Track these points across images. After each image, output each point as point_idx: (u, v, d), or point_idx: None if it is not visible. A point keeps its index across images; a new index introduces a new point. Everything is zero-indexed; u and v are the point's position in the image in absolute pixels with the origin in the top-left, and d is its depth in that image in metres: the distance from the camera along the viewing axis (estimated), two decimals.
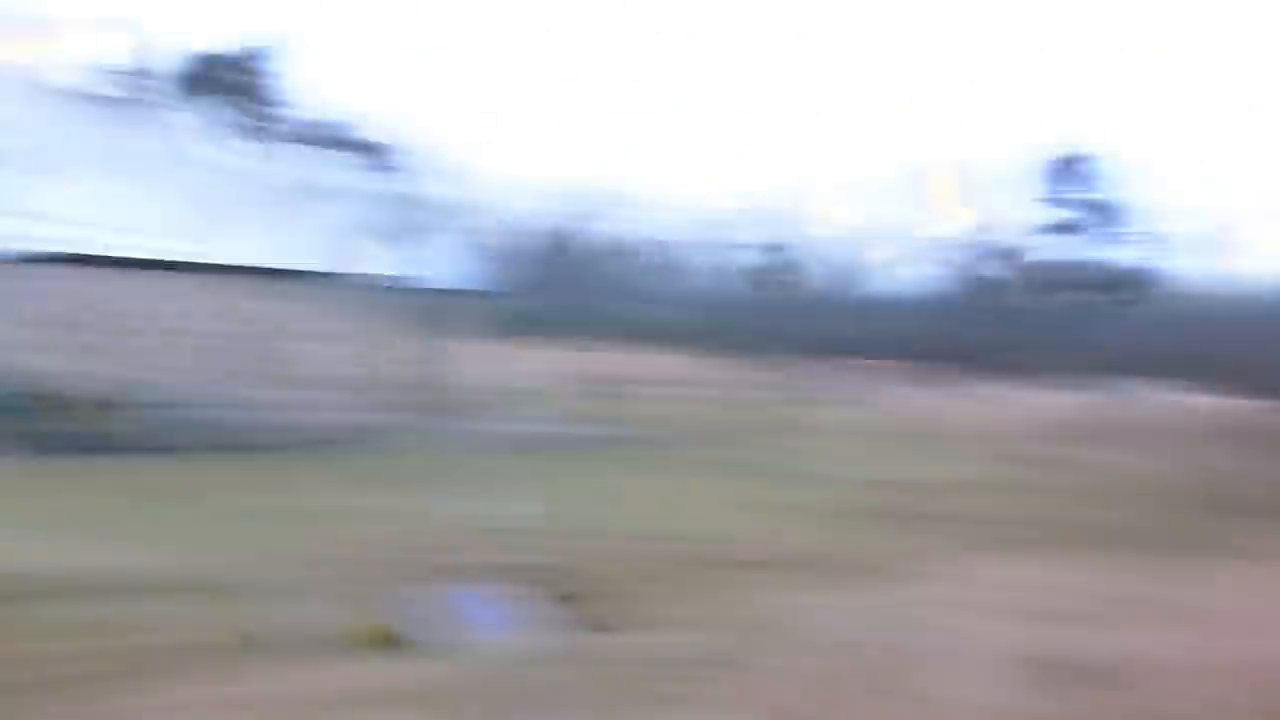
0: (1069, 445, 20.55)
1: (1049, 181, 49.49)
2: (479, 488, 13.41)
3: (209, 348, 16.19)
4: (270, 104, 67.37)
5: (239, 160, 19.68)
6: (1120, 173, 47.89)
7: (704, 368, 39.14)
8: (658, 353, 51.36)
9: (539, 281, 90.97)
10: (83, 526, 10.48)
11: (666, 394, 26.50)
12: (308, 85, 65.07)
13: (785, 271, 56.17)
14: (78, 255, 14.95)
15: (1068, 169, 48.82)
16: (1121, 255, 48.34)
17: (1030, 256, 49.25)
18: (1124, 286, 47.01)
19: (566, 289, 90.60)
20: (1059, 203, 49.30)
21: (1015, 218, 50.41)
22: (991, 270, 49.58)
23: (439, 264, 24.33)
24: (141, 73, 60.19)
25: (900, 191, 52.45)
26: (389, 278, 19.33)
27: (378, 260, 19.78)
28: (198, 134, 19.60)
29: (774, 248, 57.57)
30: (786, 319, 47.46)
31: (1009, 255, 49.72)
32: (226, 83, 64.98)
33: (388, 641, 7.90)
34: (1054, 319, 44.56)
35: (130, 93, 25.91)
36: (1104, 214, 48.41)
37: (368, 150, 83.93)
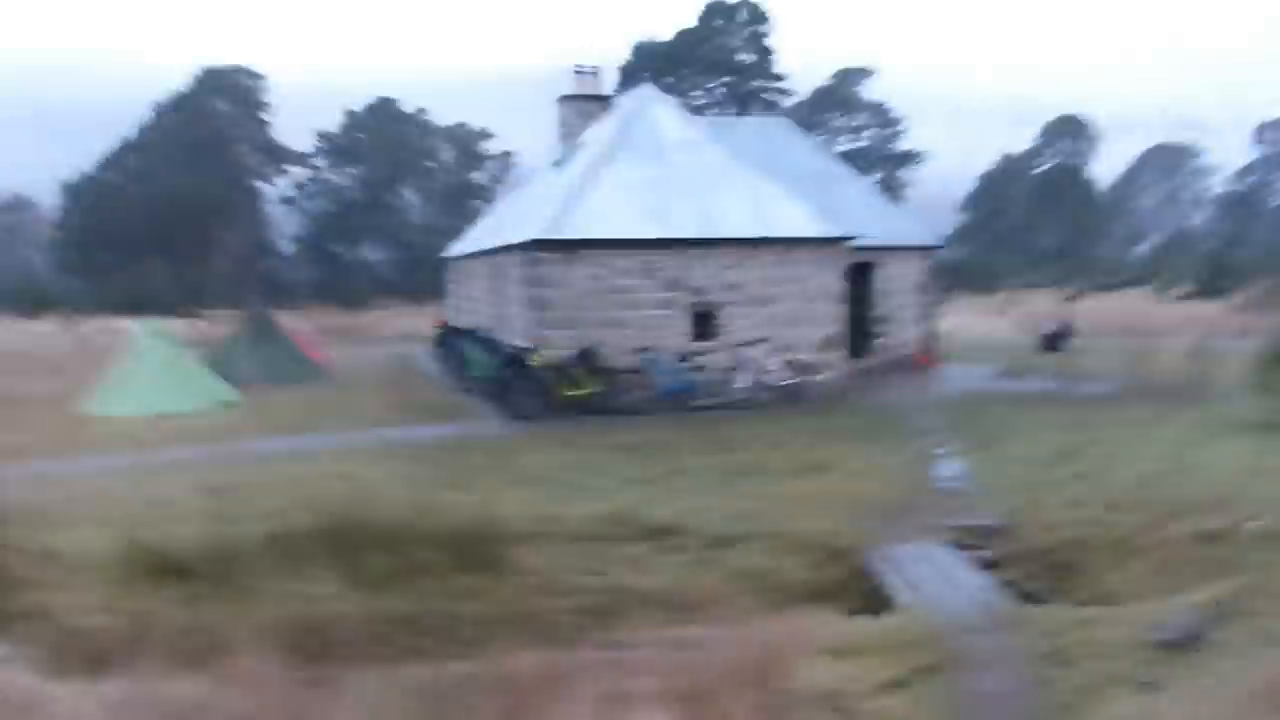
0: None
1: None
2: (954, 445, 13.45)
3: (700, 315, 17.78)
4: (769, 74, 70.81)
5: (733, 132, 21.25)
6: None
7: (1191, 310, 34.75)
8: (1140, 297, 46.32)
9: (1007, 229, 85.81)
10: (594, 480, 12.20)
11: (1153, 343, 23.98)
12: (790, 49, 66.83)
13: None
14: (598, 240, 17.16)
15: None
16: None
17: None
18: None
19: (1035, 234, 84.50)
20: None
21: None
22: None
23: (916, 219, 24.32)
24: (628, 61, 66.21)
25: None
26: (870, 235, 19.70)
27: (858, 218, 20.29)
28: (688, 112, 21.15)
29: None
30: None
31: None
32: (718, 59, 69.36)
33: (857, 595, 8.48)
34: None
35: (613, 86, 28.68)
36: None
37: (862, 109, 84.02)
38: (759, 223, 18.09)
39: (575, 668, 5.82)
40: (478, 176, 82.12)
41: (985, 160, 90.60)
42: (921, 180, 78.07)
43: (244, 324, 23.32)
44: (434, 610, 7.82)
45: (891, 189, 71.77)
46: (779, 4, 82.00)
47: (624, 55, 68.70)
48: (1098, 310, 39.16)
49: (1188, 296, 43.16)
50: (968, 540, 9.38)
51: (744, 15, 71.83)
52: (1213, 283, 43.28)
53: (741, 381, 17.57)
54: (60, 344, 33.92)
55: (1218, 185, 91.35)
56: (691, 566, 8.73)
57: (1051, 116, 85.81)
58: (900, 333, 23.40)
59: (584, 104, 24.20)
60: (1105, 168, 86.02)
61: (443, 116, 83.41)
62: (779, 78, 71.79)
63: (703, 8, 70.68)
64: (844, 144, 79.14)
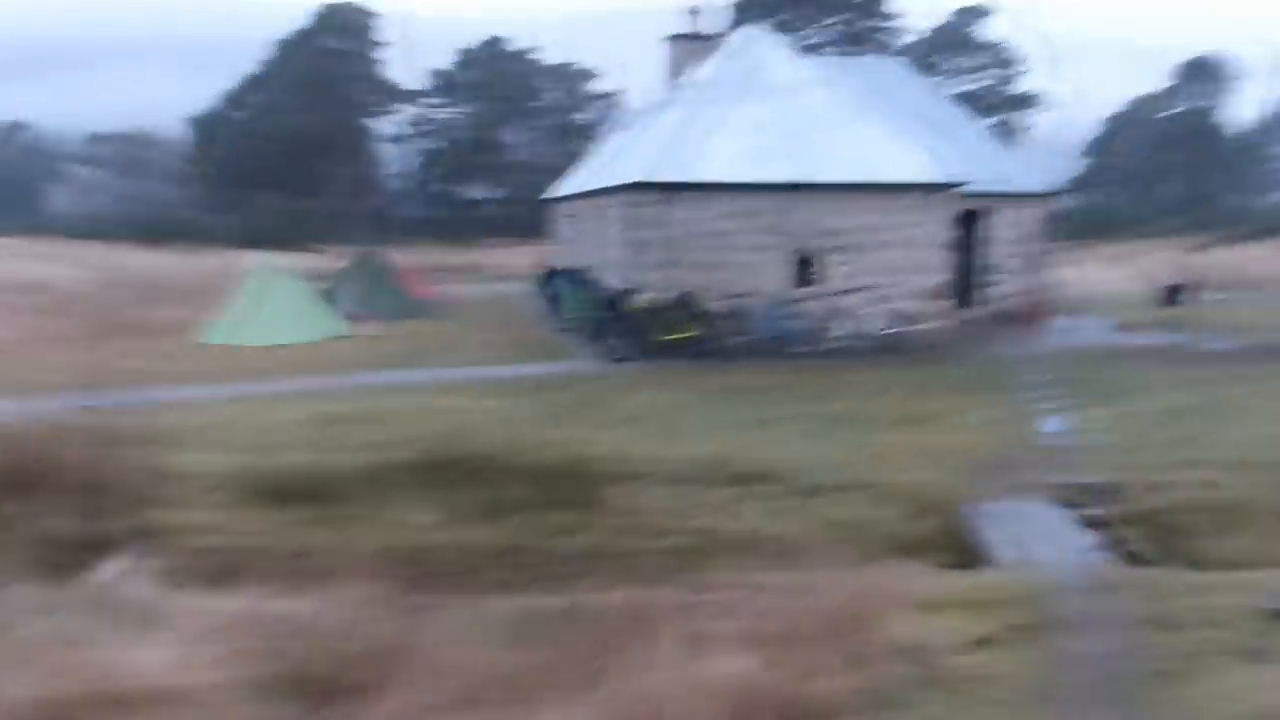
0: None
1: None
2: (1062, 400, 13.06)
3: (801, 260, 17.51)
4: (885, 13, 68.67)
5: (844, 73, 20.64)
6: None
7: None
8: (1273, 249, 43.63)
9: (1131, 176, 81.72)
10: (689, 424, 12.24)
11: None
12: None
13: None
14: (700, 183, 17.01)
15: None
16: None
17: None
18: None
19: (1161, 182, 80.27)
20: None
21: None
22: None
23: (1033, 165, 23.38)
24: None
25: None
26: (983, 181, 19.03)
27: (971, 162, 19.61)
28: (798, 52, 20.63)
29: None
30: None
31: None
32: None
33: (953, 550, 8.35)
34: None
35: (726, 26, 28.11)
36: None
37: (982, 49, 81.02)
38: (865, 167, 17.61)
39: (662, 608, 5.88)
40: (584, 116, 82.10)
41: (1111, 104, 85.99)
42: (1042, 124, 74.71)
43: (355, 260, 23.98)
44: (527, 545, 8.01)
45: (1009, 133, 68.96)
46: None
47: None
48: (1225, 263, 37.15)
49: None
50: (1072, 498, 9.11)
51: None
52: None
53: (842, 329, 17.29)
54: (184, 275, 35.51)
55: None
56: (783, 514, 8.70)
57: (1184, 59, 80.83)
58: (1011, 283, 22.63)
59: (692, 43, 23.83)
60: (1240, 113, 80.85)
61: (551, 55, 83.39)
62: (895, 16, 69.35)
63: None
64: (961, 85, 76.26)
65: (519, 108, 79.24)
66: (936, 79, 72.08)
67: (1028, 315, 22.38)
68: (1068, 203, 63.52)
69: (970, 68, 78.19)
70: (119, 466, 7.58)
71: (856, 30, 68.96)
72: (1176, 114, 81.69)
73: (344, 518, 8.26)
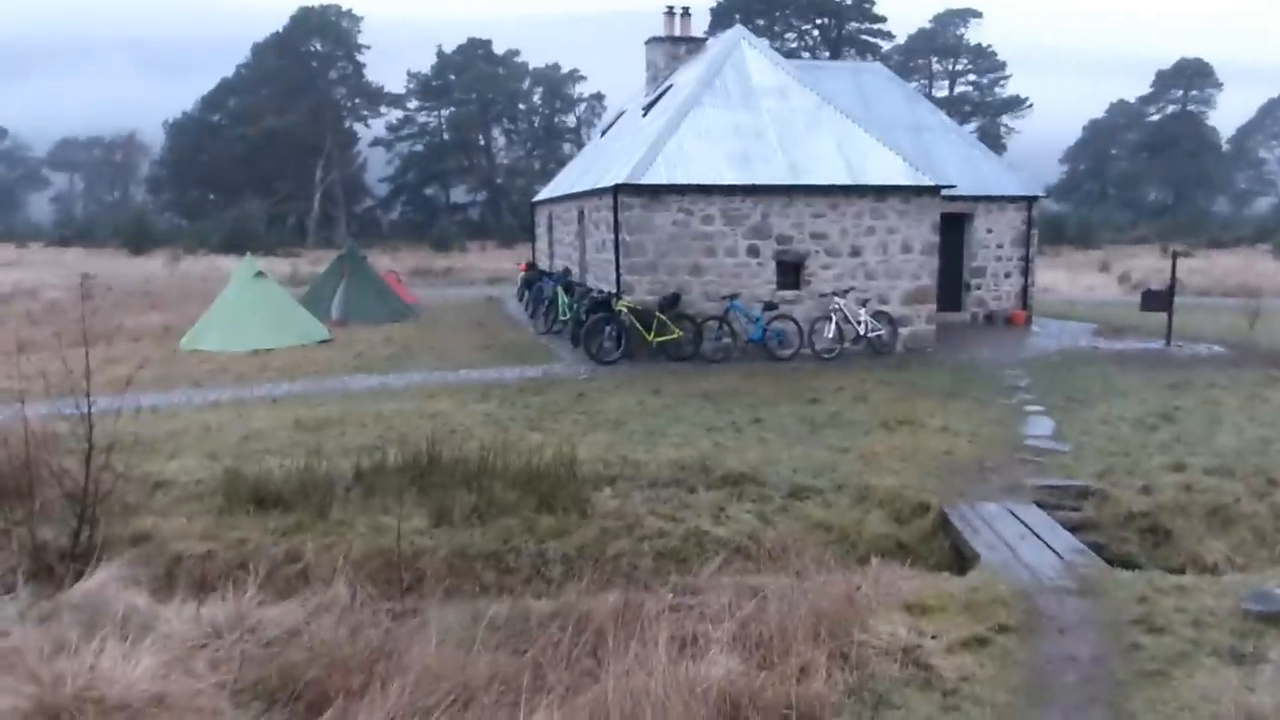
0: None
1: None
2: (1045, 403, 13.15)
3: (786, 263, 17.56)
4: (868, 16, 68.82)
5: (825, 77, 20.72)
6: None
7: None
8: (1256, 256, 44.18)
9: (1113, 181, 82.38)
10: (675, 426, 12.26)
11: (1266, 304, 22.96)
12: None
13: None
14: (688, 185, 17.04)
15: None
16: None
17: None
18: None
19: (1144, 187, 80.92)
20: None
21: None
22: None
23: (1016, 169, 23.53)
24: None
25: None
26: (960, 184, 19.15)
27: (953, 167, 19.76)
28: (779, 56, 20.69)
29: None
30: None
31: None
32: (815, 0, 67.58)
33: (939, 552, 8.40)
34: None
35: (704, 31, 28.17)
36: None
37: (964, 54, 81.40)
38: (849, 171, 17.70)
39: (650, 610, 5.90)
40: (568, 119, 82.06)
41: (1092, 110, 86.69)
42: (1024, 129, 75.21)
43: (336, 263, 23.90)
44: (516, 548, 8.00)
45: (991, 137, 69.44)
46: None
47: None
48: (1208, 268, 37.58)
49: None
50: (1056, 501, 9.18)
51: None
52: None
53: (827, 332, 17.36)
54: (164, 279, 35.28)
55: None
56: (770, 516, 8.73)
57: (1165, 65, 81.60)
58: (995, 287, 22.83)
59: (673, 46, 23.91)
60: (1222, 120, 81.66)
61: (534, 57, 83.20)
62: (878, 20, 69.68)
63: None
64: (943, 90, 76.73)
65: (502, 110, 79.16)
66: (919, 82, 72.55)
67: (1013, 319, 22.55)
68: (1051, 208, 64.10)
69: (953, 72, 78.70)
70: (103, 474, 7.52)
71: (837, 35, 69.31)
72: (1157, 120, 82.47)
73: (331, 523, 8.23)
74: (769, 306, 17.28)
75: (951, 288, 22.12)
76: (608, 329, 16.75)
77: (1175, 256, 20.48)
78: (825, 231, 17.63)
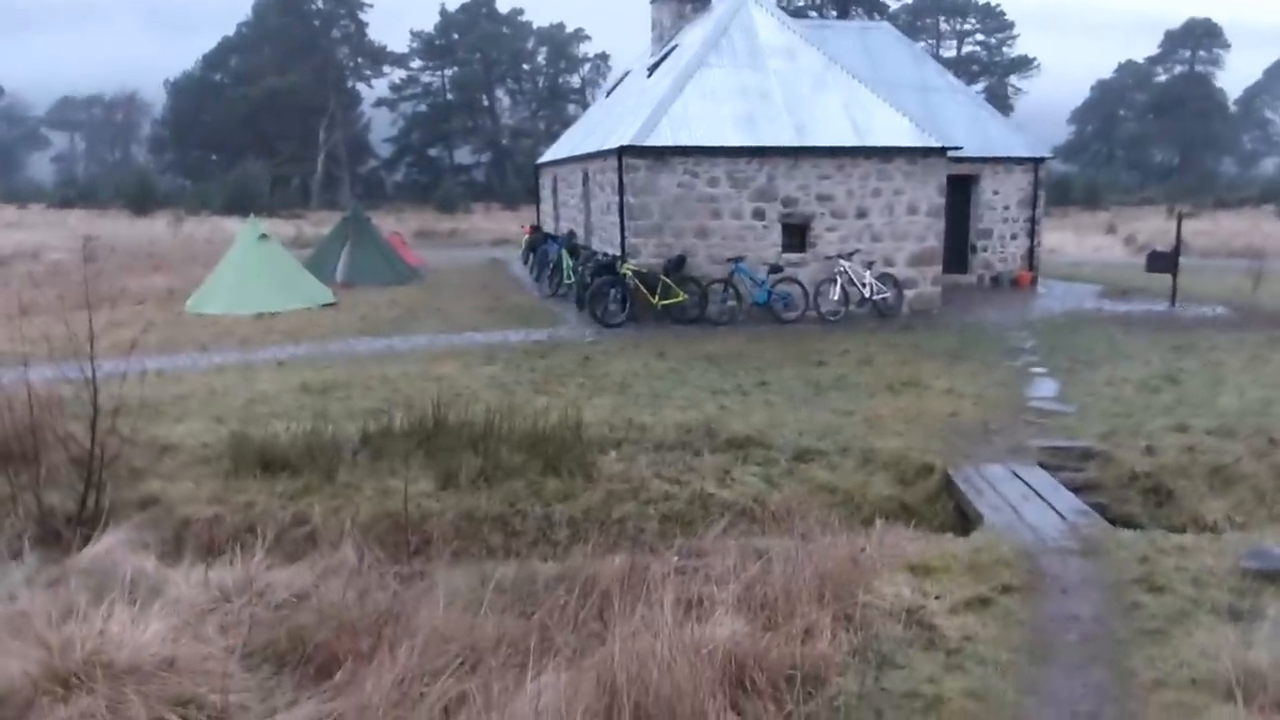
0: None
1: None
2: (1050, 365, 13.14)
3: (791, 226, 17.45)
4: None
5: (832, 37, 20.46)
6: None
7: None
8: (1262, 217, 43.84)
9: (1120, 143, 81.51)
10: (680, 389, 12.27)
11: (1271, 265, 22.81)
12: None
13: None
14: (695, 147, 16.89)
15: None
16: None
17: None
18: None
19: (1151, 148, 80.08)
20: None
21: None
22: None
23: (1023, 130, 23.32)
24: None
25: None
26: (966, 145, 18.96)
27: (960, 128, 19.56)
28: (786, 15, 20.38)
29: None
30: None
31: None
32: None
33: (943, 514, 8.44)
34: None
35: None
36: None
37: (972, 13, 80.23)
38: (855, 132, 17.54)
39: (656, 573, 5.94)
40: (572, 79, 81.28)
41: (1100, 70, 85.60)
42: (1032, 90, 74.38)
43: (340, 225, 23.82)
44: (522, 511, 8.05)
45: (999, 98, 68.70)
46: None
47: None
48: (1215, 230, 37.32)
49: None
50: (1060, 462, 9.20)
51: None
52: None
53: (833, 295, 17.31)
54: (168, 241, 35.21)
55: None
56: (775, 478, 8.76)
57: (1174, 25, 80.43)
58: (1001, 248, 22.71)
59: (679, 4, 23.62)
60: (1229, 81, 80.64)
61: (538, 16, 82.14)
62: None
63: None
64: (950, 50, 75.82)
65: (507, 70, 78.40)
66: (927, 42, 71.67)
67: (1019, 280, 22.46)
68: (1059, 169, 63.55)
69: (960, 31, 77.71)
70: (109, 438, 7.55)
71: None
72: (1165, 81, 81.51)
73: (338, 487, 8.28)
74: (774, 269, 17.21)
75: (957, 250, 22.00)
76: (613, 292, 16.71)
77: (1180, 218, 20.31)
78: (831, 193, 17.51)
